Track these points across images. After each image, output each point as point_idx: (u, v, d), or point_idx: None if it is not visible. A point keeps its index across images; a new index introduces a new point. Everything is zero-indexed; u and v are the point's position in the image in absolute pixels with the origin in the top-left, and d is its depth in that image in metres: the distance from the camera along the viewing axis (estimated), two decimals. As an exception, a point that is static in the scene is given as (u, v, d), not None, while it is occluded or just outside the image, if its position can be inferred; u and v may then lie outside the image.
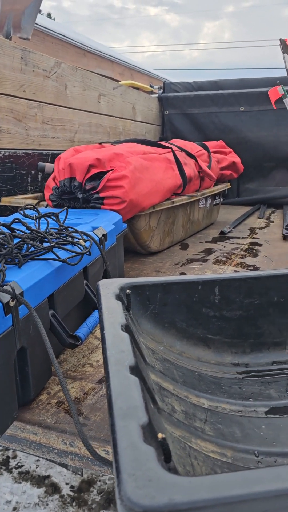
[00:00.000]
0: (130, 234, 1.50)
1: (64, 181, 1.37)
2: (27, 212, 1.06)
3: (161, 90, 3.37)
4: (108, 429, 0.46)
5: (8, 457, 1.61)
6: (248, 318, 0.72)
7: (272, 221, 2.44)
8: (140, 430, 0.34)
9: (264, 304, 0.72)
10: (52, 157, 1.82)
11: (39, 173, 1.74)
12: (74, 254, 0.80)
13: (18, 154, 1.64)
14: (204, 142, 2.36)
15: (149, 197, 1.42)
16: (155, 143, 1.78)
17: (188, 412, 0.55)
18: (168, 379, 0.59)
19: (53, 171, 1.46)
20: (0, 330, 0.58)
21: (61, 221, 0.97)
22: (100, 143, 1.73)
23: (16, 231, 0.82)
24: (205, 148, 2.18)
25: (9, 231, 0.79)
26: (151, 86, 3.66)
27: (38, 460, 1.58)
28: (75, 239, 0.86)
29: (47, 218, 0.94)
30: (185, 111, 3.21)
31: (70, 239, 0.85)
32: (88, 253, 0.86)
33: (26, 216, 0.98)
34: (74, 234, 0.90)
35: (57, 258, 0.76)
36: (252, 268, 1.47)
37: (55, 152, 1.84)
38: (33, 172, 1.71)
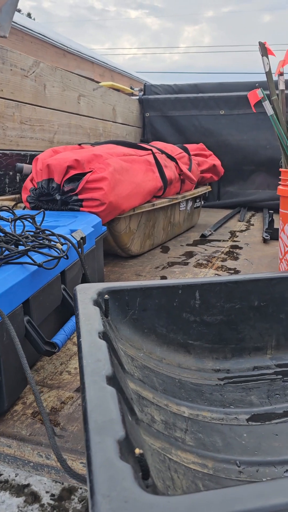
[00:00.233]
0: (110, 237, 1.48)
1: (42, 183, 1.34)
2: (3, 214, 1.02)
3: (142, 92, 3.36)
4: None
5: (-16, 467, 1.56)
6: (229, 323, 0.71)
7: (253, 224, 2.46)
8: (117, 446, 0.32)
9: (245, 308, 0.71)
10: (31, 158, 1.78)
11: (17, 174, 1.70)
12: (50, 258, 0.78)
13: (-5, 155, 1.60)
14: (185, 145, 2.36)
15: (129, 200, 1.40)
16: (135, 145, 1.77)
17: (168, 422, 0.53)
18: (148, 387, 0.57)
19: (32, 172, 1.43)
20: None
21: (38, 224, 0.95)
22: (80, 144, 1.71)
23: (-10, 234, 0.78)
24: (186, 150, 2.17)
25: (-18, 234, 0.76)
26: (131, 88, 3.65)
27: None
28: (52, 242, 0.83)
29: (23, 220, 0.91)
30: (166, 113, 3.20)
31: (46, 242, 0.83)
32: (65, 256, 0.83)
33: (1, 218, 0.95)
34: (51, 237, 0.87)
35: (32, 262, 0.73)
36: (233, 271, 1.46)
37: (33, 152, 1.80)
38: (11, 173, 1.67)
